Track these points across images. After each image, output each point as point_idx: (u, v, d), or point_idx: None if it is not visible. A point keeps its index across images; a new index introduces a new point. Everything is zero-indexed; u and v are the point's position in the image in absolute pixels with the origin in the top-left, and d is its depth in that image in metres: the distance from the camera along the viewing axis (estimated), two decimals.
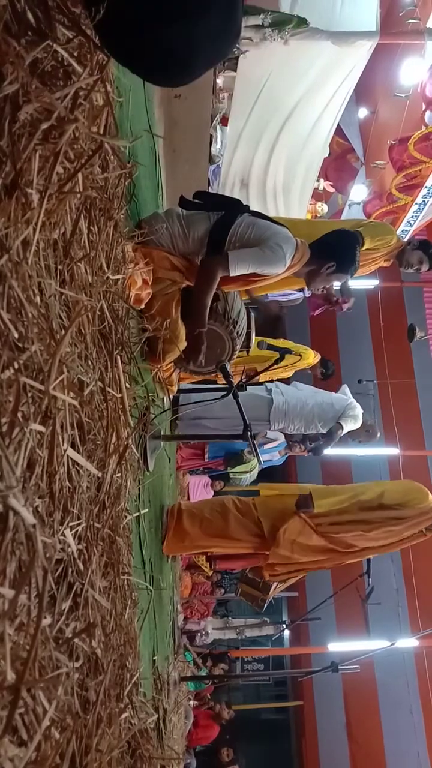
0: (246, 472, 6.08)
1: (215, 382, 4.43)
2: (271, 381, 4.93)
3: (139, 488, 2.12)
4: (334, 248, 2.70)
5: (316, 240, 2.70)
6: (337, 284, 2.96)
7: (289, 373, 5.30)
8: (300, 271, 2.68)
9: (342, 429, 4.64)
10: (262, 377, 4.61)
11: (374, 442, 5.13)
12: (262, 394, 4.70)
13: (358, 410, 4.76)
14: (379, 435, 5.08)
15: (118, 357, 1.54)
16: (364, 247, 3.68)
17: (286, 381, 5.28)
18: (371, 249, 3.76)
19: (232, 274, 2.41)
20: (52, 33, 1.01)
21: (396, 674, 8.46)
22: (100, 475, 1.29)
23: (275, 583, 3.54)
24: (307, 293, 5.18)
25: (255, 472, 6.18)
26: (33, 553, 0.80)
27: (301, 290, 5.07)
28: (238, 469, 6.00)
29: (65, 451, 1.04)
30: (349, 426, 4.68)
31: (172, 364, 2.83)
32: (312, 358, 5.32)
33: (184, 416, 4.10)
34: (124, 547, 1.49)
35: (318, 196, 7.92)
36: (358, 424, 4.76)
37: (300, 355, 5.10)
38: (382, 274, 8.36)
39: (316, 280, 2.72)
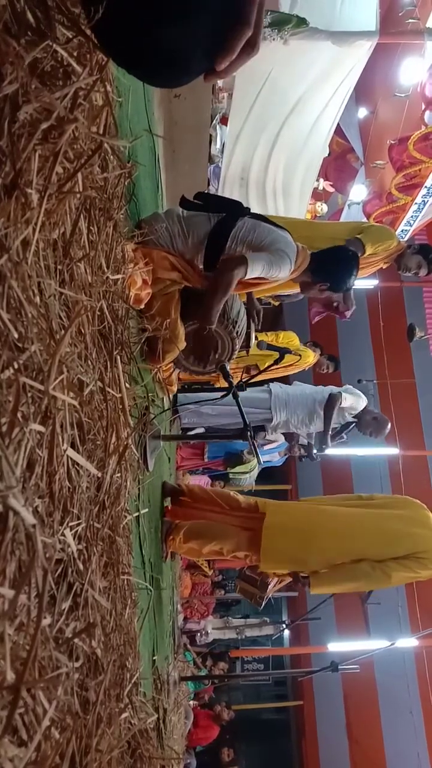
0: (246, 473, 6.09)
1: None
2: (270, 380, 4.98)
3: (138, 488, 2.12)
4: (332, 270, 2.74)
5: (318, 253, 2.71)
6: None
7: (288, 373, 5.31)
8: (297, 278, 2.69)
9: (341, 398, 4.67)
10: (261, 378, 4.64)
11: (385, 432, 4.96)
12: (260, 388, 4.88)
13: (357, 390, 4.85)
14: (389, 425, 4.96)
15: (118, 357, 1.54)
16: (366, 254, 3.68)
17: (286, 382, 5.31)
18: (371, 254, 3.75)
19: (248, 276, 2.42)
20: (51, 33, 1.01)
21: (396, 674, 8.46)
22: (99, 475, 1.29)
23: (272, 582, 3.54)
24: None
25: (255, 473, 6.18)
26: (33, 553, 0.80)
27: None
28: (238, 469, 6.01)
29: (65, 451, 1.04)
30: (350, 400, 4.71)
31: (172, 364, 2.83)
32: (312, 357, 5.34)
33: (185, 401, 4.17)
34: (123, 547, 1.49)
35: (318, 195, 7.93)
36: (360, 402, 4.78)
37: (300, 355, 5.11)
38: (381, 274, 8.37)
39: (309, 290, 2.78)
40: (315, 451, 5.76)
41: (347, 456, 8.78)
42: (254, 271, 2.40)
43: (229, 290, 2.43)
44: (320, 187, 7.89)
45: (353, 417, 4.85)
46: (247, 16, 0.87)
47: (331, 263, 2.74)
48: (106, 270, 1.54)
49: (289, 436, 6.22)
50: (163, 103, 3.99)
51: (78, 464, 1.12)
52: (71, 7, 1.03)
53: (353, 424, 4.90)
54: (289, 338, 5.59)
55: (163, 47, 0.92)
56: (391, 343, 9.46)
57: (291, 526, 3.21)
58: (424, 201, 6.86)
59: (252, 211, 2.64)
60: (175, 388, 3.32)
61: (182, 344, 2.57)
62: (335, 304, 4.55)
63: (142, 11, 0.89)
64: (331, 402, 4.70)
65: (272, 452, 6.24)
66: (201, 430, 5.51)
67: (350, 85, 5.24)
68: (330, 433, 4.79)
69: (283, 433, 5.72)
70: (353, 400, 4.77)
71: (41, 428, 0.92)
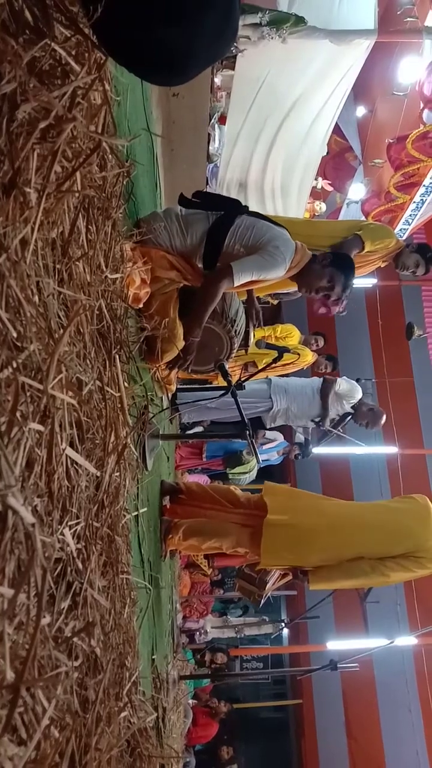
0: (245, 473, 6.09)
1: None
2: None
3: (137, 487, 2.12)
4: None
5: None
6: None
7: (286, 372, 5.32)
8: (297, 274, 2.69)
9: (335, 383, 4.78)
10: (259, 377, 4.66)
11: (380, 423, 5.01)
12: (259, 380, 4.92)
13: (352, 381, 4.95)
14: (384, 416, 4.99)
15: (117, 356, 1.54)
16: (364, 251, 3.68)
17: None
18: (370, 252, 3.76)
19: (236, 285, 2.42)
20: (50, 31, 1.01)
21: (395, 672, 8.47)
22: (98, 474, 1.29)
23: (271, 579, 3.54)
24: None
25: (254, 472, 6.18)
26: (32, 553, 0.80)
27: None
28: (237, 470, 6.00)
29: (64, 450, 1.04)
30: (345, 386, 4.77)
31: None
32: (310, 357, 5.35)
33: (184, 399, 4.19)
34: (122, 546, 1.49)
35: (316, 194, 7.92)
36: (356, 393, 4.83)
37: (298, 354, 5.11)
38: (380, 272, 8.38)
39: (310, 276, 2.68)
40: (311, 447, 5.78)
41: (346, 455, 8.79)
42: (241, 279, 2.42)
43: (214, 300, 2.47)
44: (319, 186, 7.87)
45: (350, 408, 4.91)
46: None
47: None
48: (104, 269, 1.54)
49: (288, 437, 6.23)
50: (162, 102, 3.98)
51: (77, 463, 1.12)
52: (69, 6, 1.03)
53: (350, 416, 4.95)
54: (287, 331, 5.59)
55: (163, 46, 0.93)
56: (390, 342, 9.46)
57: (292, 524, 3.22)
58: (422, 200, 6.85)
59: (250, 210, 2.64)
60: (174, 387, 3.32)
61: (181, 343, 2.57)
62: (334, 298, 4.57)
63: (140, 11, 0.89)
64: (326, 386, 4.78)
65: (271, 451, 6.24)
66: (200, 429, 5.51)
67: (349, 84, 5.25)
68: (329, 416, 4.84)
69: (279, 428, 5.73)
70: (348, 387, 4.83)
71: (40, 427, 0.92)
